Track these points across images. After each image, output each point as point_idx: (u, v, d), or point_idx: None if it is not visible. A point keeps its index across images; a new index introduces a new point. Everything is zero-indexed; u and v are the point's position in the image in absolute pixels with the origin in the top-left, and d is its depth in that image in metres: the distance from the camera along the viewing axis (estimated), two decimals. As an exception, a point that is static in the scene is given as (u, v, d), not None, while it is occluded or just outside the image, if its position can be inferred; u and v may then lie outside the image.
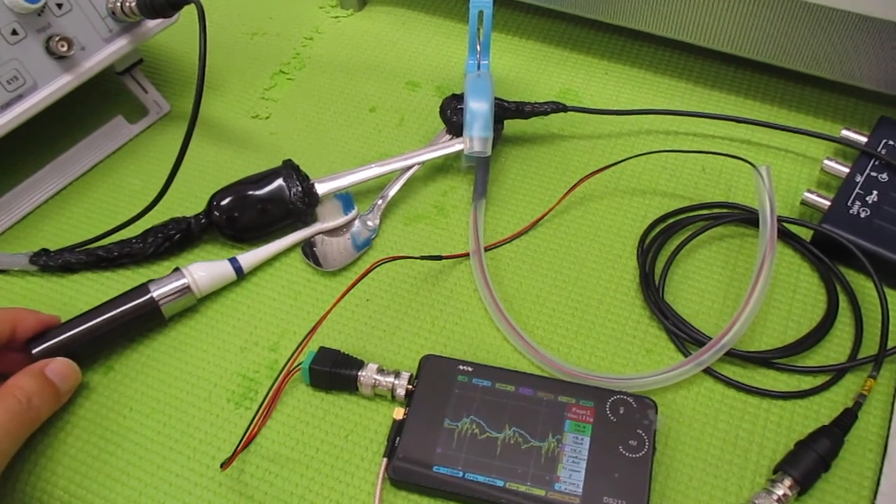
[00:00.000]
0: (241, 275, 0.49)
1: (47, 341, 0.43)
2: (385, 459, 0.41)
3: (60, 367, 0.42)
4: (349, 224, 0.51)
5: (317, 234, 0.51)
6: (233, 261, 0.48)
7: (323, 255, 0.50)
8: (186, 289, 0.46)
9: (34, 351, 0.43)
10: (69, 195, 0.55)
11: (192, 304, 0.48)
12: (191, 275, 0.46)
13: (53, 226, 0.53)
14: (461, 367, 0.43)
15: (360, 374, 0.43)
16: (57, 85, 0.50)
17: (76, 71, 0.51)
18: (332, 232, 0.51)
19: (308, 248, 0.50)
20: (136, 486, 0.41)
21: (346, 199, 0.52)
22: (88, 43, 0.51)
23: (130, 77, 0.58)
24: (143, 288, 0.46)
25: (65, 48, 0.49)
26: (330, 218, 0.51)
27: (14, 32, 0.47)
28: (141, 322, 0.46)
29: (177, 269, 0.47)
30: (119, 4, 0.51)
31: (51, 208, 0.54)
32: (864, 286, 0.47)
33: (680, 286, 0.48)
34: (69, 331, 0.44)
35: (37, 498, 0.42)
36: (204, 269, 0.47)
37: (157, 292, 0.46)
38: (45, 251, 0.50)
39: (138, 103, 0.59)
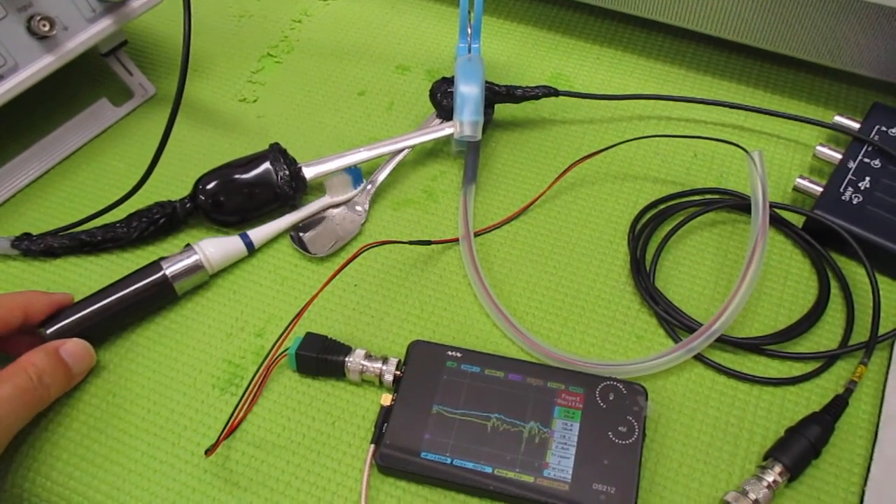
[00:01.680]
0: (251, 249, 0.48)
1: (61, 321, 0.43)
2: (372, 446, 0.40)
3: (75, 348, 0.42)
4: (338, 208, 0.51)
5: (327, 207, 0.50)
6: (243, 236, 0.48)
7: (311, 241, 0.49)
8: (199, 265, 0.46)
9: (49, 331, 0.43)
10: (52, 179, 0.54)
11: (205, 280, 0.47)
12: (202, 251, 0.46)
13: (36, 210, 0.52)
14: (450, 352, 0.43)
15: (347, 359, 0.43)
16: (39, 66, 0.49)
17: (59, 51, 0.50)
18: (319, 217, 0.50)
19: (296, 234, 0.50)
20: (120, 472, 0.41)
21: (356, 173, 0.51)
22: (71, 23, 0.50)
23: (115, 59, 0.57)
24: (155, 265, 0.45)
25: (47, 28, 0.48)
26: (339, 192, 0.51)
27: (-6, 11, 0.46)
28: (154, 300, 0.46)
29: (188, 246, 0.47)
30: (102, -17, 0.50)
31: (33, 192, 0.53)
32: (856, 272, 0.47)
33: (671, 272, 0.48)
34: (83, 310, 0.44)
35: (18, 485, 0.41)
36: (215, 244, 0.47)
37: (169, 269, 0.45)
38: (27, 235, 0.49)
39: (123, 86, 0.58)
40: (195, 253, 0.46)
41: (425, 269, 0.48)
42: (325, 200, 0.51)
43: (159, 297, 0.46)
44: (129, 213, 0.49)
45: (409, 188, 0.53)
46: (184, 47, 0.46)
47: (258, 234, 0.49)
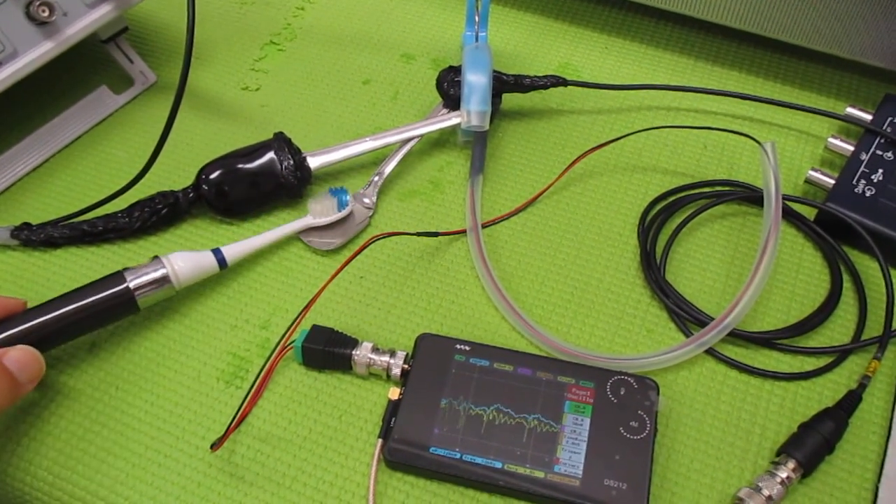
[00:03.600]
0: (224, 266, 0.45)
1: (8, 329, 0.40)
2: (380, 440, 0.40)
3: (20, 356, 0.38)
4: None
5: (307, 228, 0.48)
6: (216, 252, 0.45)
7: (318, 233, 0.48)
8: (165, 279, 0.43)
9: None
10: (52, 167, 0.53)
11: (171, 296, 0.44)
12: (171, 265, 0.43)
13: (36, 199, 0.51)
14: (458, 346, 0.42)
15: (354, 352, 0.42)
16: (38, 52, 0.48)
17: (58, 38, 0.49)
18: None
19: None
20: (123, 467, 0.40)
21: (340, 193, 0.48)
22: (71, 8, 0.49)
23: (115, 46, 0.56)
24: (118, 276, 0.42)
25: (46, 13, 0.47)
26: (322, 214, 0.48)
27: (-8, -5, 0.45)
28: (113, 313, 0.43)
29: (156, 258, 0.43)
30: (103, -32, 0.49)
31: (33, 181, 0.52)
32: (869, 266, 0.46)
33: (681, 265, 0.47)
34: (35, 318, 0.41)
35: (19, 479, 0.40)
36: (185, 259, 0.43)
37: (133, 282, 0.42)
38: (27, 225, 0.48)
39: (123, 73, 0.57)
40: (162, 266, 0.43)
41: (432, 261, 0.48)
42: (307, 220, 0.48)
43: (119, 310, 0.42)
44: (131, 203, 0.49)
45: (415, 179, 0.52)
46: (188, 35, 0.45)
47: (232, 250, 0.45)
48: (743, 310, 0.42)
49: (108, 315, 0.43)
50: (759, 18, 0.54)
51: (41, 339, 0.40)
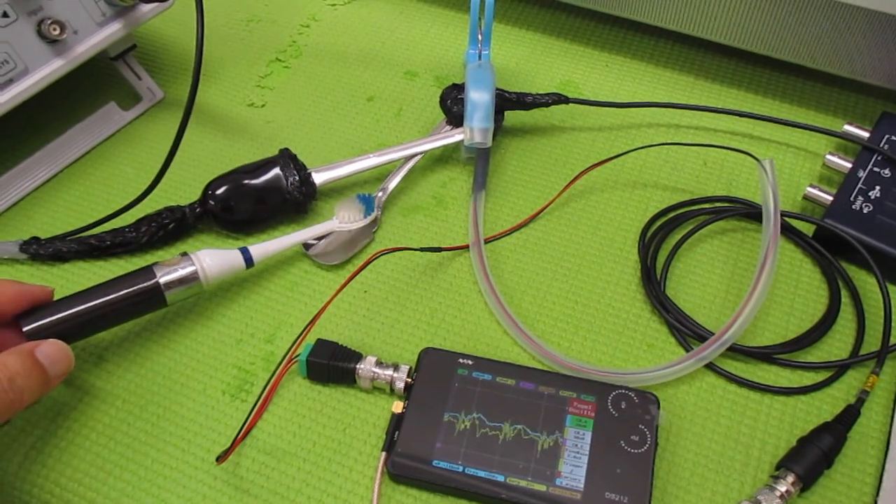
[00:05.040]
0: (250, 265, 0.45)
1: (40, 319, 0.40)
2: (384, 453, 0.40)
3: (52, 350, 0.39)
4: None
5: (333, 231, 0.48)
6: (243, 251, 0.45)
7: (323, 249, 0.49)
8: (194, 276, 0.43)
9: (25, 329, 0.40)
10: (61, 182, 0.54)
11: (199, 293, 0.44)
12: (199, 262, 0.43)
13: (44, 214, 0.52)
14: (461, 360, 0.43)
15: (358, 366, 0.42)
16: (49, 69, 0.49)
17: (68, 55, 0.50)
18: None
19: (308, 242, 0.49)
20: (130, 479, 0.41)
21: (368, 200, 0.48)
22: (81, 27, 0.50)
23: (124, 63, 0.57)
24: (148, 271, 0.42)
25: (57, 31, 0.48)
26: (349, 219, 0.48)
27: (5, 14, 0.46)
28: (142, 308, 0.43)
29: (185, 254, 0.43)
30: (113, -13, 0.50)
31: (42, 196, 0.53)
32: (867, 282, 0.47)
33: (681, 280, 0.48)
34: (66, 310, 0.41)
35: (26, 491, 0.41)
36: (213, 256, 0.44)
37: (163, 278, 0.42)
38: (35, 239, 0.49)
39: (131, 90, 0.58)
40: (192, 263, 0.43)
41: (435, 276, 0.48)
42: (334, 224, 0.48)
43: (148, 304, 0.43)
44: (139, 218, 0.49)
45: (418, 195, 0.53)
46: (196, 52, 0.46)
47: (259, 249, 0.46)
48: (742, 325, 0.43)
49: (136, 310, 0.43)
50: (757, 37, 0.55)
51: (68, 331, 0.41)
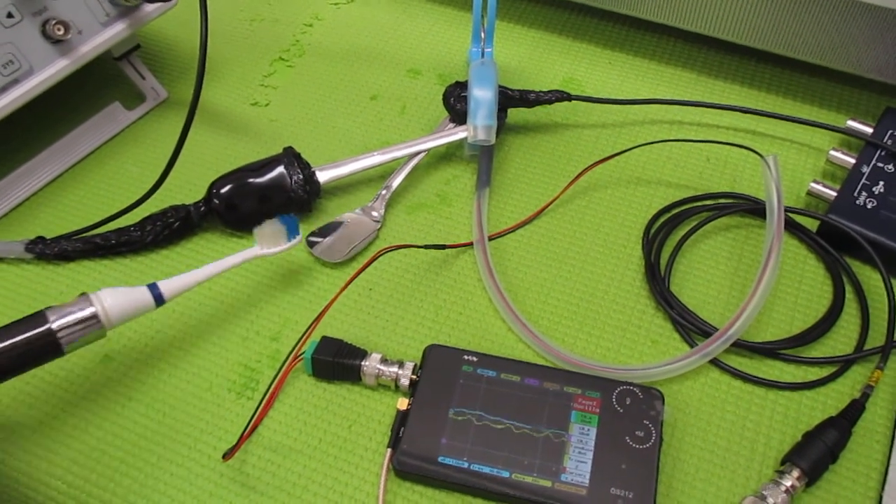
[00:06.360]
0: (160, 302, 0.40)
1: None
2: (389, 450, 0.40)
3: None
4: (351, 216, 0.50)
5: (252, 258, 0.44)
6: (152, 286, 0.40)
7: (327, 246, 0.49)
8: (94, 319, 0.38)
9: None
10: (65, 182, 0.54)
11: (101, 338, 0.39)
12: (100, 302, 0.38)
13: (50, 213, 0.52)
14: (466, 357, 0.43)
15: (363, 363, 0.43)
16: (53, 69, 0.49)
17: (73, 55, 0.50)
18: (336, 223, 0.50)
19: (313, 239, 0.49)
20: (137, 476, 0.41)
21: (292, 223, 0.44)
22: (85, 27, 0.50)
23: (128, 63, 0.57)
24: (40, 316, 0.37)
25: (61, 32, 0.48)
26: (270, 243, 0.44)
27: (10, 15, 0.46)
28: (35, 357, 0.38)
29: (83, 295, 0.39)
30: (117, -13, 0.50)
31: (47, 195, 0.53)
32: (871, 277, 0.47)
33: (685, 276, 0.48)
34: None
35: (33, 488, 0.41)
36: (115, 295, 0.39)
37: (56, 323, 0.37)
38: (41, 239, 0.49)
39: (135, 89, 0.58)
40: (90, 304, 0.38)
41: (440, 273, 0.48)
42: (255, 251, 0.44)
43: (41, 354, 0.38)
44: (143, 217, 0.49)
45: (422, 192, 0.53)
46: (200, 52, 0.46)
47: (170, 285, 0.41)
48: (746, 320, 0.43)
49: (27, 360, 0.38)
50: (760, 33, 0.55)
51: None
